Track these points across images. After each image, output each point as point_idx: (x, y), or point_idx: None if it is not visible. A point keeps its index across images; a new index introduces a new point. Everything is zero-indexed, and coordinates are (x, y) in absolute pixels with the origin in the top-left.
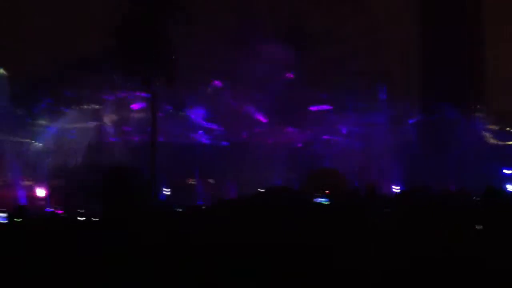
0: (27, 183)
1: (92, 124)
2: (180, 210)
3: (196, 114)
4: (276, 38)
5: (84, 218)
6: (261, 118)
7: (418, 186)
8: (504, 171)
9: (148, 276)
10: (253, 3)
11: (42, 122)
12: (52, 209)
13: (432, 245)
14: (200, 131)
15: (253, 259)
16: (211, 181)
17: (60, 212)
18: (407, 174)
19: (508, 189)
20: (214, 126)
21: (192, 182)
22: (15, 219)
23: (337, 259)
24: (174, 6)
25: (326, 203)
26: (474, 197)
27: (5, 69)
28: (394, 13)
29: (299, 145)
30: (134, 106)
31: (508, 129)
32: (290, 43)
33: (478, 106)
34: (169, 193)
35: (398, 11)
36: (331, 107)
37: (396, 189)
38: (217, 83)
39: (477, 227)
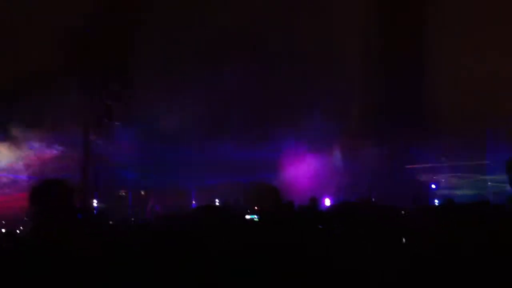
0: None
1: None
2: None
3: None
4: (237, 58)
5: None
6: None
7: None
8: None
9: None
10: (217, 21)
11: None
12: None
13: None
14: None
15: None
16: (142, 192)
17: None
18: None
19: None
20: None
21: (123, 194)
22: None
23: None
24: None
25: (257, 219)
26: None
27: None
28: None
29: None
30: None
31: None
32: (250, 64)
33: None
34: (96, 205)
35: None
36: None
37: (327, 202)
38: None
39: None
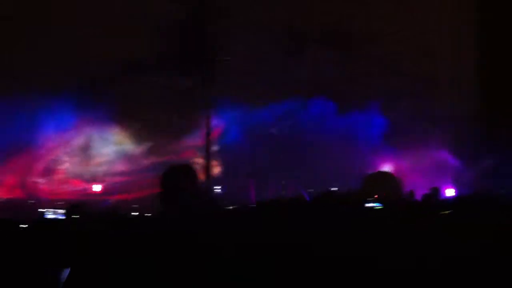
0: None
1: None
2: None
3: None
4: (322, 42)
5: (137, 213)
6: None
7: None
8: None
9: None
10: (300, 7)
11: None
12: (108, 204)
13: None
14: None
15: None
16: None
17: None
18: (473, 180)
19: None
20: None
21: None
22: (72, 216)
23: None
24: (222, 13)
25: (379, 207)
26: None
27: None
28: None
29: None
30: None
31: None
32: (336, 46)
33: None
34: (219, 191)
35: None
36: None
37: (450, 193)
38: None
39: None
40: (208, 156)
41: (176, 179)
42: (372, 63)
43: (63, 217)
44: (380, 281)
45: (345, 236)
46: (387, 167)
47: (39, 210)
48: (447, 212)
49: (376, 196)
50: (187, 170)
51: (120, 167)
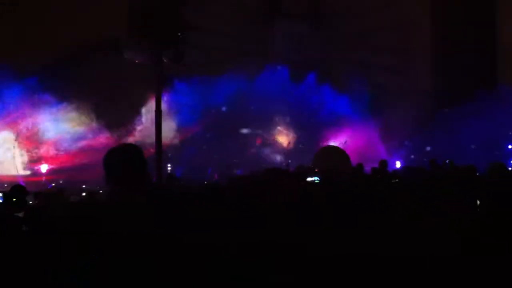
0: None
1: None
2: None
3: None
4: (295, 15)
5: (84, 194)
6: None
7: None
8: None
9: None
10: None
11: None
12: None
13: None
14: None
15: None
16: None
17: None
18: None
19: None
20: None
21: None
22: (12, 199)
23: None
24: None
25: (317, 181)
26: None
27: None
28: None
29: None
30: None
31: None
32: (309, 20)
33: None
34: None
35: None
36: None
37: (398, 165)
38: None
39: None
40: (159, 137)
41: (117, 159)
42: (343, 38)
43: (0, 201)
44: (380, 279)
45: (342, 234)
46: (335, 141)
47: None
48: (392, 181)
49: (316, 170)
50: (129, 150)
51: (70, 146)
